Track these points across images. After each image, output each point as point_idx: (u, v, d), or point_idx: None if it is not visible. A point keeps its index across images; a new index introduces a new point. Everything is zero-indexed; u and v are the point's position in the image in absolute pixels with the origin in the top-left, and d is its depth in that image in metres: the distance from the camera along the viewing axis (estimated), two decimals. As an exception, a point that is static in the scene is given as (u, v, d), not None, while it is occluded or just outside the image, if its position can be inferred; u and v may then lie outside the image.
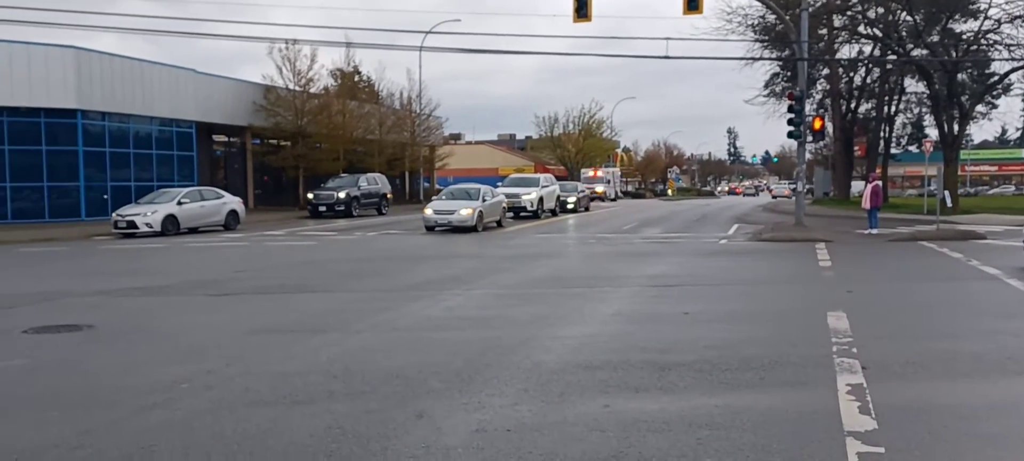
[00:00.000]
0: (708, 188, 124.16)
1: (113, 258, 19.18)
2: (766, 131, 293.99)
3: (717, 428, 5.62)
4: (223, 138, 43.47)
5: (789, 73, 40.36)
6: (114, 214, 26.76)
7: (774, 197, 76.33)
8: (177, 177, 36.23)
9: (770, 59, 41.12)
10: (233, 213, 29.01)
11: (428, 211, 27.44)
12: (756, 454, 5.14)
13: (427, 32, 52.66)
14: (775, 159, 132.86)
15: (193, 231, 27.05)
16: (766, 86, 44.46)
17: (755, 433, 5.53)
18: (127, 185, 33.67)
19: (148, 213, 26.12)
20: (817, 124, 28.80)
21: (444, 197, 29.22)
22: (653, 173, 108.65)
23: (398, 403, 6.29)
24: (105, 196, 32.96)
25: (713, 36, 42.28)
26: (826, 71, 46.04)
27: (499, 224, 28.92)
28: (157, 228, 25.74)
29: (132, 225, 25.72)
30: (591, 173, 63.84)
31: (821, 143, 55.33)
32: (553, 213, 36.70)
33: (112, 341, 8.96)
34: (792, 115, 26.29)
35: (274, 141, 44.09)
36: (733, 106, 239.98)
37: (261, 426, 5.75)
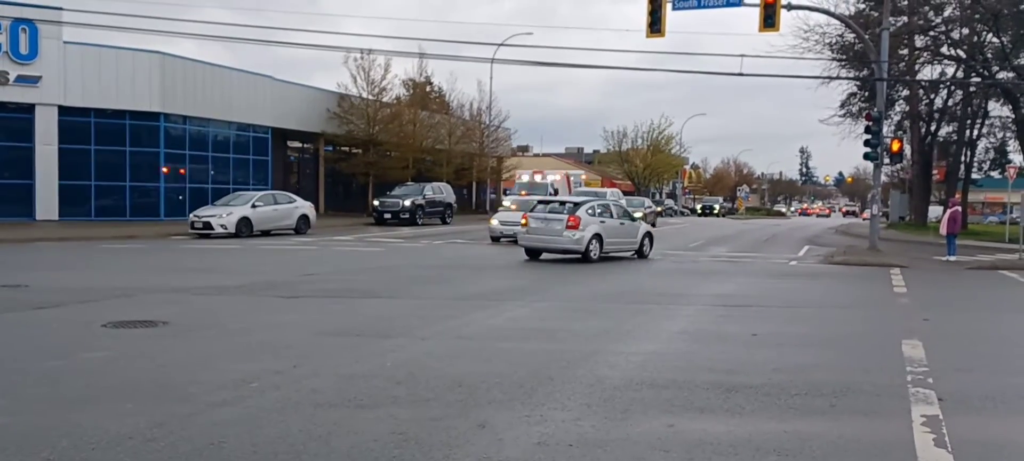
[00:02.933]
0: (778, 207, 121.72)
1: (189, 257, 19.75)
2: (840, 152, 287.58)
3: (785, 454, 5.49)
4: (297, 144, 44.46)
5: (867, 93, 39.33)
6: (191, 215, 27.60)
7: (863, 218, 73.44)
8: (252, 180, 37.18)
9: (847, 79, 40.18)
10: (304, 218, 29.62)
11: (494, 222, 27.53)
12: (825, 482, 5.00)
13: (499, 44, 52.90)
14: (848, 181, 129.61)
15: (265, 234, 27.69)
16: (842, 106, 43.40)
17: (824, 461, 5.38)
18: (204, 187, 34.69)
19: (223, 215, 26.86)
20: (895, 146, 27.97)
21: (512, 210, 29.27)
22: (722, 191, 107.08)
23: (460, 412, 6.32)
24: (181, 197, 34.04)
25: (788, 54, 41.29)
26: (906, 92, 44.75)
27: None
28: (231, 230, 26.44)
29: (208, 226, 26.47)
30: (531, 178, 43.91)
31: (898, 166, 53.74)
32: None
33: (186, 337, 9.22)
34: (869, 136, 25.63)
35: (346, 148, 44.89)
36: (807, 125, 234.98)
37: (326, 428, 5.83)
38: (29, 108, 30.56)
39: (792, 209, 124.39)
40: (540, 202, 22.56)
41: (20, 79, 29.98)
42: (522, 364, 8.01)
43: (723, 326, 10.93)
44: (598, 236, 20.27)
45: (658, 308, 12.62)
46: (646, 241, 22.29)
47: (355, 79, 43.26)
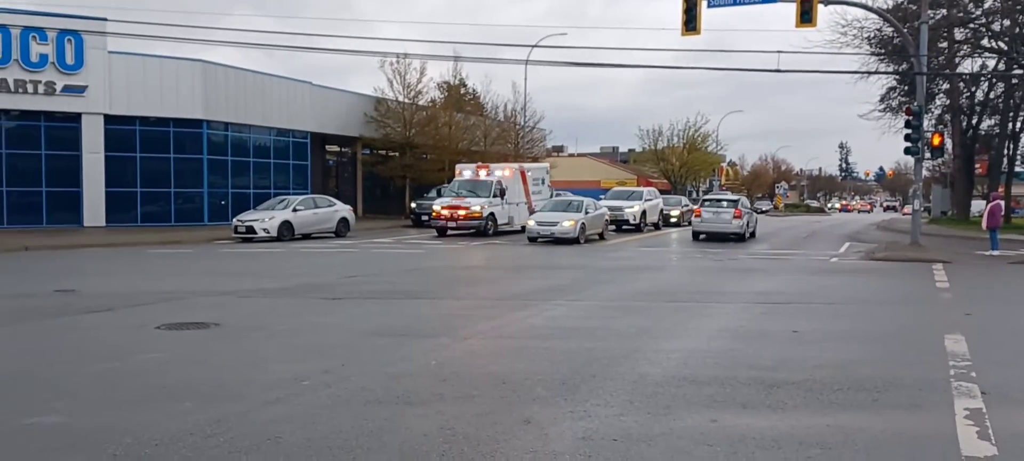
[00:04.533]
0: (817, 203, 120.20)
1: (234, 261, 20.16)
2: (881, 147, 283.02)
3: (828, 448, 5.54)
4: (335, 148, 45.00)
5: (906, 87, 38.79)
6: (234, 220, 28.13)
7: (904, 213, 72.20)
8: (292, 185, 37.73)
9: (886, 73, 39.68)
10: (344, 221, 30.02)
11: (531, 222, 27.71)
12: (869, 475, 5.05)
13: (533, 46, 53.26)
14: (888, 175, 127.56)
15: (306, 237, 28.11)
16: (882, 100, 42.85)
17: (868, 454, 5.43)
18: (246, 192, 35.30)
19: (266, 219, 27.34)
20: (936, 141, 27.54)
21: (547, 209, 29.44)
22: (760, 188, 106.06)
23: (505, 408, 6.45)
24: (223, 202, 34.67)
25: (826, 49, 40.88)
26: (946, 86, 44.03)
27: (601, 236, 28.91)
28: (274, 233, 26.90)
29: (251, 230, 26.96)
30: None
31: (939, 160, 52.87)
32: (656, 226, 36.39)
33: (237, 338, 9.49)
34: (909, 131, 25.32)
35: (383, 151, 45.32)
36: (846, 120, 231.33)
37: (377, 424, 6.01)
38: (76, 117, 31.36)
39: (831, 205, 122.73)
40: (706, 200, 31.91)
41: (67, 89, 30.77)
42: (564, 362, 8.12)
43: (764, 323, 10.94)
44: (750, 222, 30.71)
45: (697, 306, 12.65)
46: (756, 225, 32.54)
47: (391, 83, 43.73)
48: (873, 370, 7.89)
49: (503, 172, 31.94)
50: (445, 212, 29.68)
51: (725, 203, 30.54)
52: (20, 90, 29.90)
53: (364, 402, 6.62)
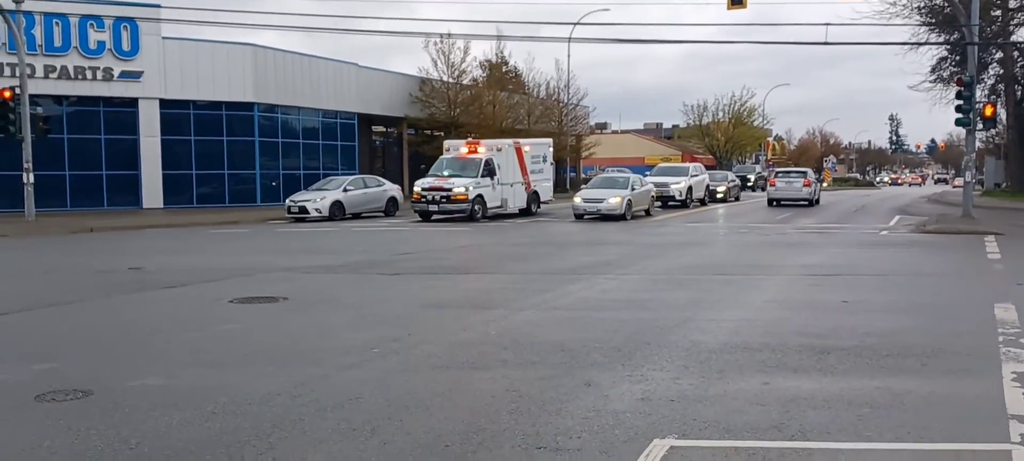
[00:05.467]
0: (854, 176, 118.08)
1: (290, 239, 20.80)
2: (932, 119, 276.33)
3: (878, 407, 5.82)
4: (381, 128, 45.65)
5: (958, 57, 38.11)
6: (287, 200, 28.89)
7: (955, 186, 70.60)
8: (340, 165, 38.45)
9: (937, 43, 39.01)
10: (392, 200, 30.62)
11: (577, 199, 27.97)
12: (917, 432, 5.32)
13: (575, 23, 53.23)
14: (940, 147, 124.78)
15: (356, 216, 28.73)
16: (932, 71, 42.12)
17: (917, 413, 5.70)
18: (296, 173, 36.09)
19: (317, 199, 28.03)
20: (988, 111, 27.14)
21: (593, 186, 29.67)
22: (807, 162, 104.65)
23: (566, 372, 6.83)
24: (273, 183, 35.51)
25: (875, 21, 40.26)
26: (999, 55, 43.11)
27: (647, 213, 29.08)
28: (325, 213, 27.58)
29: (303, 210, 27.67)
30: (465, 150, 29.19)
31: (992, 131, 51.82)
32: (702, 202, 36.39)
33: (305, 310, 10.01)
34: (961, 102, 25.02)
35: (428, 131, 45.83)
36: (895, 92, 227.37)
37: (447, 386, 6.43)
38: (133, 102, 32.31)
39: (880, 179, 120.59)
40: (779, 172, 37.01)
41: (124, 75, 31.71)
42: (618, 331, 8.47)
43: (813, 295, 11.15)
44: (816, 190, 35.21)
45: (746, 279, 12.89)
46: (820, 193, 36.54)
47: (436, 63, 44.16)
48: (922, 337, 8.11)
49: (495, 149, 28.54)
50: (425, 194, 26.49)
51: (794, 174, 37.17)
52: (79, 76, 30.90)
53: (432, 367, 7.05)
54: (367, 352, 7.55)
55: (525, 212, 29.06)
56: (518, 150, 29.27)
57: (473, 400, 6.06)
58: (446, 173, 27.13)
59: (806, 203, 35.33)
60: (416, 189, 27.25)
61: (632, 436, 5.21)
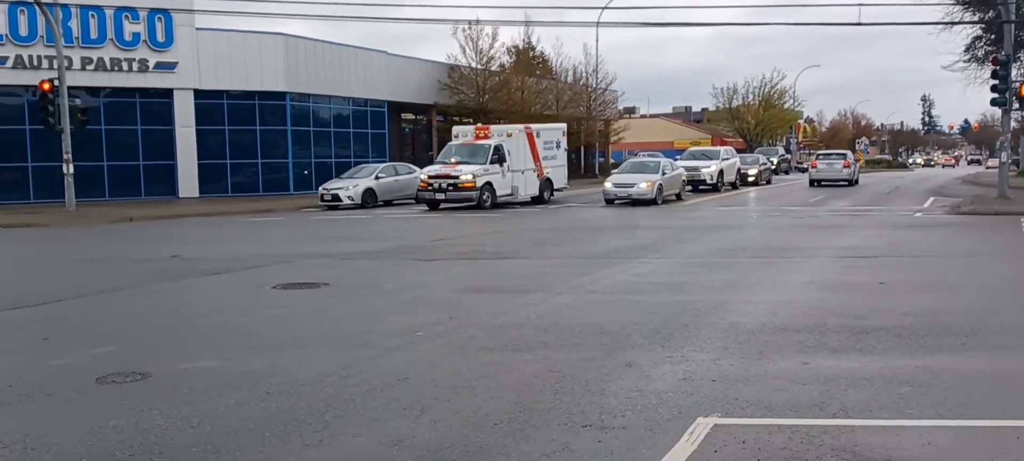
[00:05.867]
0: (900, 159, 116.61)
1: (326, 227, 21.07)
2: (965, 99, 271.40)
3: (917, 385, 5.90)
4: (411, 116, 45.86)
5: (993, 36, 37.44)
6: (321, 188, 29.22)
7: (989, 167, 69.29)
8: (371, 153, 38.73)
9: (971, 22, 38.33)
10: (423, 186, 30.77)
11: (608, 184, 27.99)
12: (957, 409, 5.40)
13: (603, 8, 53.02)
14: (974, 128, 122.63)
15: (388, 203, 28.99)
16: (966, 51, 41.35)
17: (956, 390, 5.77)
18: (328, 161, 36.43)
19: (350, 187, 28.32)
20: (1025, 91, 26.75)
21: (623, 170, 29.65)
22: (839, 145, 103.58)
23: (606, 353, 6.96)
24: (306, 171, 35.89)
25: (908, 1, 39.50)
26: (1037, 33, 42.33)
27: (678, 197, 29.03)
28: (358, 200, 27.86)
29: (336, 198, 27.98)
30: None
31: (1030, 110, 50.91)
32: (733, 186, 36.23)
33: (348, 295, 10.23)
34: (996, 81, 24.68)
35: (457, 118, 45.99)
36: (929, 72, 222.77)
37: (491, 367, 6.59)
38: (168, 93, 32.76)
39: (913, 160, 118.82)
40: (821, 154, 39.43)
41: (159, 66, 32.15)
42: (656, 313, 8.58)
43: (849, 276, 11.17)
44: (855, 171, 37.85)
45: (782, 261, 12.91)
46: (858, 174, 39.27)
47: (464, 49, 44.29)
48: (960, 317, 8.13)
49: (505, 134, 27.50)
50: (431, 182, 25.62)
51: (835, 156, 40.30)
52: (115, 68, 31.38)
53: (476, 349, 7.22)
54: (411, 335, 7.73)
55: (537, 200, 28.06)
56: (529, 136, 28.13)
57: (517, 381, 6.21)
58: (454, 159, 26.23)
59: (846, 183, 37.88)
60: (422, 177, 26.50)
61: (675, 415, 5.33)
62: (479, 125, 28.76)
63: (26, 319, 9.14)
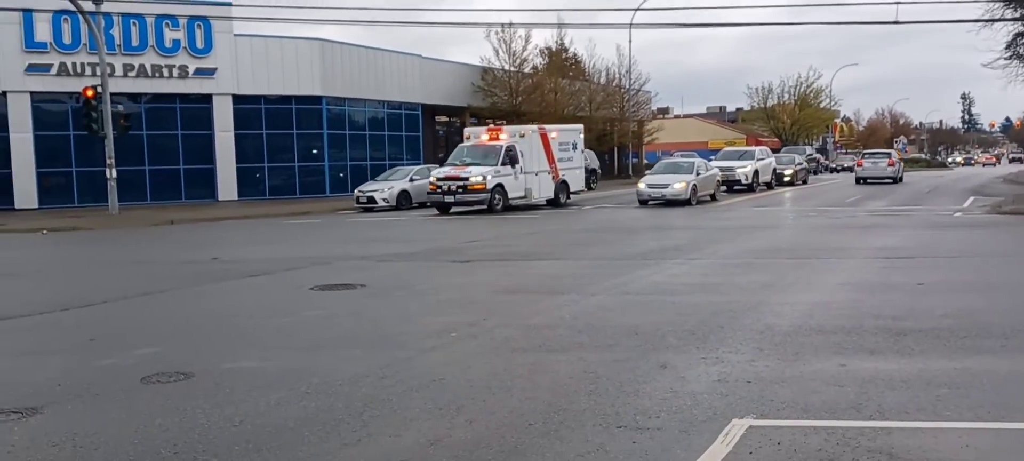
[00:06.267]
0: (940, 158, 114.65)
1: (362, 229, 21.30)
2: (1007, 96, 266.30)
3: (956, 387, 5.84)
4: (444, 118, 46.12)
5: (1036, 31, 36.76)
6: (356, 190, 29.53)
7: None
8: (405, 156, 39.04)
9: (1012, 19, 37.62)
10: (457, 188, 30.90)
11: (641, 185, 27.91)
12: (997, 411, 5.34)
13: (636, 9, 52.74)
14: (1016, 126, 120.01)
15: (422, 205, 29.10)
16: (1007, 48, 40.51)
17: (996, 393, 5.71)
18: (363, 164, 36.78)
19: (385, 189, 28.58)
20: (1070, 87, 26.22)
21: (657, 171, 29.54)
22: (876, 143, 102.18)
23: (641, 355, 6.98)
24: (342, 174, 36.26)
25: (947, -3, 38.80)
26: (1081, 28, 41.40)
27: (713, 197, 28.87)
28: (393, 203, 28.11)
29: (371, 200, 28.25)
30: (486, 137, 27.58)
31: (1074, 108, 49.77)
32: (769, 186, 35.91)
33: (384, 296, 10.36)
34: (1040, 78, 24.22)
35: (490, 120, 46.12)
36: (968, 69, 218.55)
37: (526, 367, 6.65)
38: (207, 98, 33.33)
39: (953, 159, 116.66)
40: (866, 153, 41.72)
41: (198, 72, 32.72)
42: (690, 314, 8.58)
43: (887, 277, 11.06)
44: (900, 168, 40.69)
45: (818, 262, 12.81)
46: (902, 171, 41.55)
47: (497, 52, 44.43)
48: (1000, 318, 8.03)
49: (518, 135, 26.72)
50: (441, 184, 24.96)
51: (880, 155, 43.09)
52: (156, 75, 32.00)
53: (511, 350, 7.28)
54: (446, 336, 7.82)
55: (553, 203, 27.30)
56: (544, 136, 27.26)
57: (552, 381, 6.26)
58: (466, 161, 25.60)
59: (891, 181, 39.79)
60: (431, 179, 25.77)
61: (711, 416, 5.35)
62: (491, 126, 27.98)
63: (73, 320, 9.39)
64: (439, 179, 25.23)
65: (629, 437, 5.01)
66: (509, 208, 25.21)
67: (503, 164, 25.22)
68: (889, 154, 43.09)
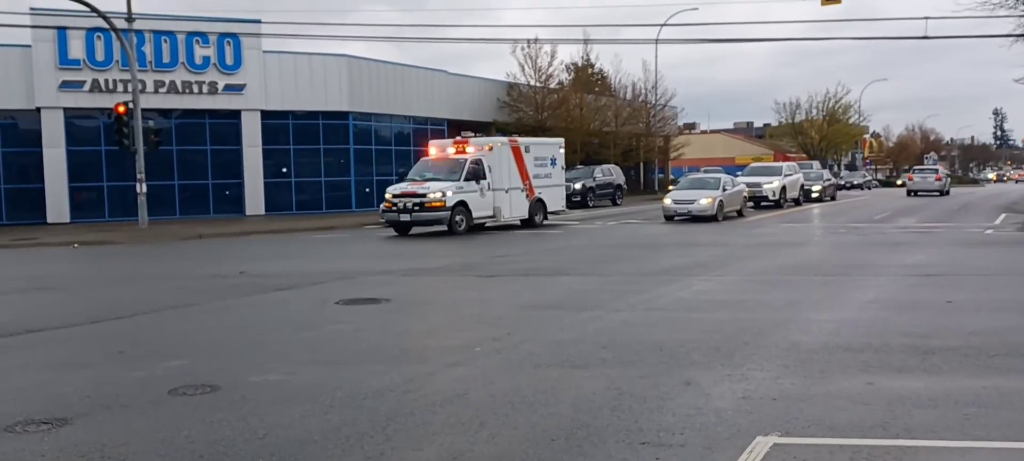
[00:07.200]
0: (971, 174, 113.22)
1: (388, 244, 21.39)
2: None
3: (985, 406, 5.76)
4: (470, 134, 46.24)
5: (1070, 46, 36.23)
6: (382, 205, 29.60)
7: None
8: (431, 171, 39.16)
9: (1046, 33, 37.11)
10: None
11: (667, 200, 27.80)
12: (1027, 431, 5.26)
13: (663, 24, 52.74)
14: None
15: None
16: (1041, 62, 40.14)
17: (1026, 412, 5.62)
18: (389, 179, 36.92)
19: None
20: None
21: (683, 186, 29.43)
22: (907, 160, 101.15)
23: (665, 371, 6.95)
24: (368, 190, 36.48)
25: (978, 13, 38.30)
26: (1117, 43, 40.74)
27: (740, 213, 28.70)
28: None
29: (397, 214, 28.21)
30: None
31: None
32: (796, 202, 35.65)
33: (409, 311, 10.41)
34: (1074, 93, 23.90)
35: (517, 135, 46.21)
36: (1000, 85, 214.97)
37: (549, 383, 6.65)
38: (236, 114, 33.72)
39: (984, 175, 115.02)
40: (916, 169, 45.48)
41: (228, 88, 33.13)
42: (716, 331, 8.53)
43: (916, 294, 10.93)
44: (946, 182, 46.48)
45: (846, 279, 12.69)
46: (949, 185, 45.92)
47: (523, 67, 44.61)
48: (1032, 337, 7.90)
49: (485, 147, 24.52)
50: (396, 202, 22.82)
51: (928, 170, 49.80)
52: (186, 91, 32.44)
53: (534, 365, 7.28)
54: (470, 351, 7.84)
55: (527, 223, 25.26)
56: (516, 150, 25.10)
57: (575, 397, 6.25)
58: (427, 177, 23.48)
59: (938, 193, 45.16)
60: (386, 195, 23.56)
61: (735, 433, 5.31)
62: (458, 138, 25.65)
63: (103, 333, 9.53)
64: (394, 196, 23.05)
65: (652, 453, 4.99)
66: (474, 228, 23.36)
67: (467, 179, 23.09)
68: (936, 169, 50.13)
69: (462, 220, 22.81)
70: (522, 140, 26.52)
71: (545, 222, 26.11)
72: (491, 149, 24.39)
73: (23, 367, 7.86)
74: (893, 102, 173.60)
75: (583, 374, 6.94)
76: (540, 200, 25.88)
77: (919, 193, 44.88)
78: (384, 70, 37.54)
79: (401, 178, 24.01)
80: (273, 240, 23.65)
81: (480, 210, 23.59)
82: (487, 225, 24.02)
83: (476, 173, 23.46)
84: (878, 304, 10.13)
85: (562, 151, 27.99)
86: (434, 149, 25.62)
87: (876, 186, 67.32)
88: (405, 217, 22.55)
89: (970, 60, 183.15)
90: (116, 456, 5.15)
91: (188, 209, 32.80)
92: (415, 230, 23.01)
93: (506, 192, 24.39)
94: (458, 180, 22.84)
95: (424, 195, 22.38)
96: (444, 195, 22.32)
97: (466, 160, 23.54)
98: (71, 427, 5.75)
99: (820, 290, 11.45)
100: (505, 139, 25.85)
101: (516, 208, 24.92)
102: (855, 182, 63.91)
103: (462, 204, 22.84)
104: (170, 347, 8.55)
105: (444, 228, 22.58)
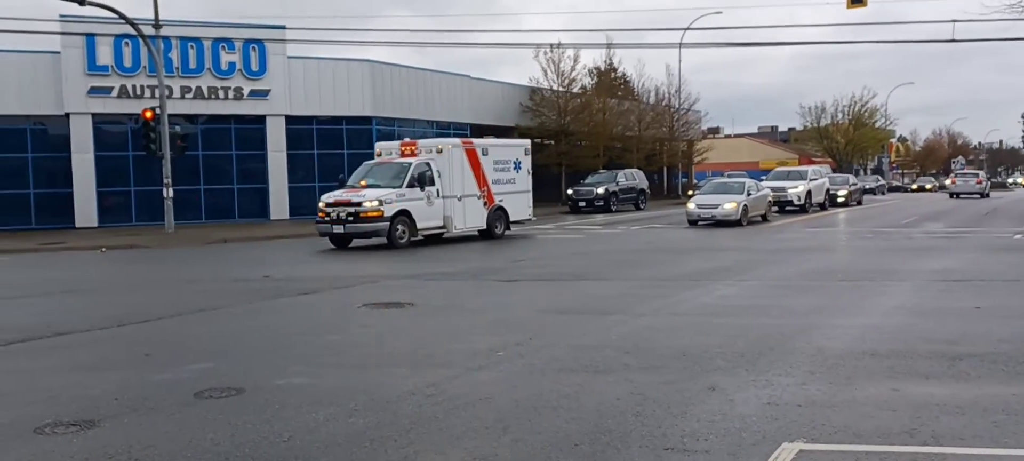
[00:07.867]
0: (1000, 177, 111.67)
1: (409, 248, 21.43)
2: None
3: (1014, 414, 5.68)
4: (492, 138, 46.36)
5: (1102, 48, 35.70)
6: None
7: None
8: (454, 175, 39.24)
9: (1078, 34, 36.57)
10: (505, 208, 30.85)
11: (691, 205, 27.69)
12: (1058, 439, 5.18)
13: (686, 28, 52.52)
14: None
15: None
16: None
17: (1057, 420, 5.54)
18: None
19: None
20: None
21: (707, 191, 29.30)
22: (934, 164, 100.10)
23: (689, 377, 6.92)
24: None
25: (1006, 15, 37.82)
26: None
27: (764, 218, 28.52)
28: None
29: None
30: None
31: None
32: (822, 207, 35.38)
33: (432, 315, 10.43)
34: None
35: (538, 140, 46.26)
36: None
37: (572, 388, 6.64)
38: (261, 119, 34.02)
39: (1013, 180, 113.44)
40: (958, 173, 47.95)
41: (253, 93, 33.44)
42: (740, 336, 8.47)
43: (943, 300, 10.81)
44: (987, 186, 49.06)
45: (871, 284, 12.56)
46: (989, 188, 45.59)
47: (546, 72, 44.60)
48: (1063, 344, 7.78)
49: (434, 150, 22.21)
50: (329, 211, 20.74)
51: (969, 174, 53.78)
52: (212, 96, 32.78)
53: (557, 370, 7.28)
54: (493, 355, 7.85)
55: (486, 234, 23.10)
56: (471, 153, 22.79)
57: (599, 402, 6.24)
58: (365, 182, 21.40)
59: (979, 195, 48.36)
60: (320, 204, 21.47)
61: (760, 439, 5.28)
62: (405, 140, 23.71)
63: (130, 336, 9.64)
64: (327, 204, 20.92)
65: (677, 459, 4.98)
66: (416, 242, 21.34)
67: (410, 185, 20.88)
68: (978, 173, 53.97)
69: (404, 231, 20.77)
70: (479, 142, 24.20)
71: (507, 233, 23.84)
72: (441, 151, 22.16)
73: (52, 369, 7.98)
74: (920, 106, 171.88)
75: (606, 379, 6.93)
76: (500, 208, 23.53)
77: (962, 195, 48.23)
78: (407, 75, 37.71)
79: (341, 184, 22.26)
80: (297, 244, 23.83)
81: (427, 220, 21.48)
82: (443, 236, 22.48)
83: (422, 179, 21.34)
84: (905, 310, 10.02)
85: (528, 154, 25.26)
86: (382, 152, 23.29)
87: (887, 191, 65.53)
88: (338, 229, 20.61)
89: (998, 64, 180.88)
90: (143, 458, 5.21)
91: (213, 213, 33.11)
92: (355, 243, 21.32)
93: (459, 200, 22.24)
94: (400, 186, 20.74)
95: (359, 204, 20.25)
96: (381, 204, 20.21)
97: (411, 164, 21.35)
98: (99, 429, 5.82)
99: (845, 296, 11.35)
100: (458, 141, 23.70)
101: (471, 217, 22.77)
102: (868, 187, 62.87)
103: (404, 213, 20.69)
104: (195, 350, 8.64)
105: (383, 240, 20.60)
